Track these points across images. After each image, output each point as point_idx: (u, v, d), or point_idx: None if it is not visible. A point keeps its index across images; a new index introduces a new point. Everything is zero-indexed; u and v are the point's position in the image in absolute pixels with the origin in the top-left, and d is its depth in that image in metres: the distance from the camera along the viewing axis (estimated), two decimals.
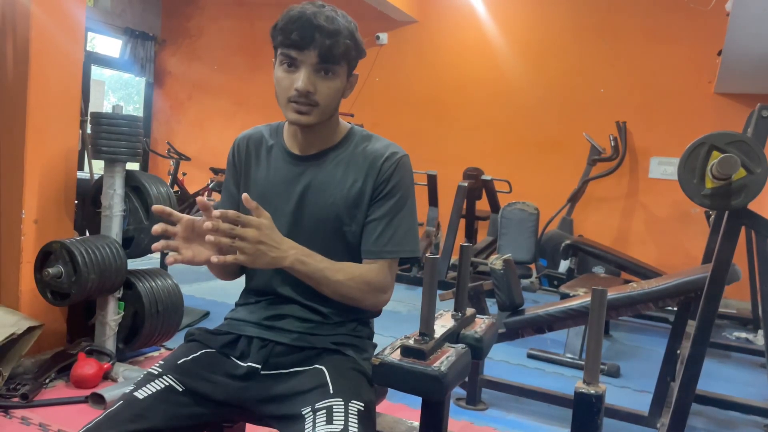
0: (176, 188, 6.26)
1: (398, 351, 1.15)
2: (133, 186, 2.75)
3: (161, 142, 7.76)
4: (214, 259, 1.10)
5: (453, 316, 1.36)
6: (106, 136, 2.62)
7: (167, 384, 1.19)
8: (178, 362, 1.24)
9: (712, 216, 2.98)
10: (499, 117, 6.35)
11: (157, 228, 1.12)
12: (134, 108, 12.66)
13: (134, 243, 2.74)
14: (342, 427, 1.08)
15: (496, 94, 6.36)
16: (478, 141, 6.40)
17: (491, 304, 2.98)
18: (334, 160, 1.31)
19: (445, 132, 6.55)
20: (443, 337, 1.22)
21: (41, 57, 2.61)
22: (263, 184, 1.33)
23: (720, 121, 5.33)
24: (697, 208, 5.06)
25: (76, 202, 2.90)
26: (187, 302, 3.06)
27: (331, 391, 1.16)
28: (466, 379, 2.63)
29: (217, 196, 6.07)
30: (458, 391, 2.70)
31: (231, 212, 1.10)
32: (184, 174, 6.49)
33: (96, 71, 8.15)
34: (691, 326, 2.24)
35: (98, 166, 3.08)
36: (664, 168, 5.74)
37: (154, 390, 1.17)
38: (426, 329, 1.16)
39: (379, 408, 1.29)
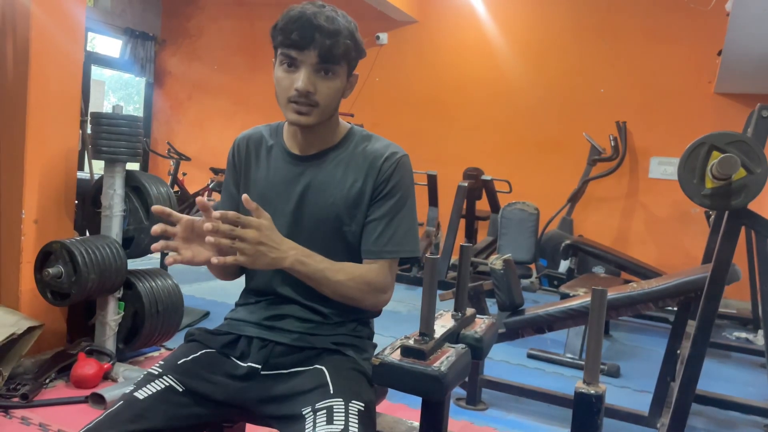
0: (176, 188, 6.27)
1: (398, 351, 1.15)
2: (133, 186, 2.76)
3: (161, 142, 7.76)
4: (215, 260, 1.10)
5: (453, 316, 1.36)
6: (106, 136, 2.62)
7: (167, 384, 1.19)
8: (179, 362, 1.24)
9: (712, 216, 2.98)
10: (499, 117, 6.35)
11: (156, 228, 1.12)
12: (134, 108, 12.67)
13: (134, 243, 2.74)
14: (342, 427, 1.08)
15: (496, 94, 6.37)
16: (478, 141, 6.40)
17: (491, 304, 2.98)
18: (334, 160, 1.31)
19: (445, 132, 6.55)
20: (443, 337, 1.22)
21: (41, 57, 2.61)
22: (263, 184, 1.33)
23: (720, 121, 5.33)
24: (697, 208, 5.06)
25: (76, 202, 2.90)
26: (187, 302, 3.06)
27: (332, 391, 1.16)
28: (466, 379, 2.63)
29: (217, 196, 6.07)
30: (458, 391, 2.70)
31: (231, 213, 1.10)
32: (184, 174, 6.49)
33: (96, 71, 8.15)
34: (691, 326, 2.24)
35: (98, 166, 3.08)
36: (664, 168, 5.74)
37: (154, 390, 1.17)
38: (426, 329, 1.16)
39: (379, 408, 1.29)
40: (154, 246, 1.14)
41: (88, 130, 2.85)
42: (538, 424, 2.57)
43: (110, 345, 2.70)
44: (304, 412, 1.13)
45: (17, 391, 2.34)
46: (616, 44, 5.90)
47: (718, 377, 3.37)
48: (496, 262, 2.72)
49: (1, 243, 2.68)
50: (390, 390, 1.28)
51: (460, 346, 1.23)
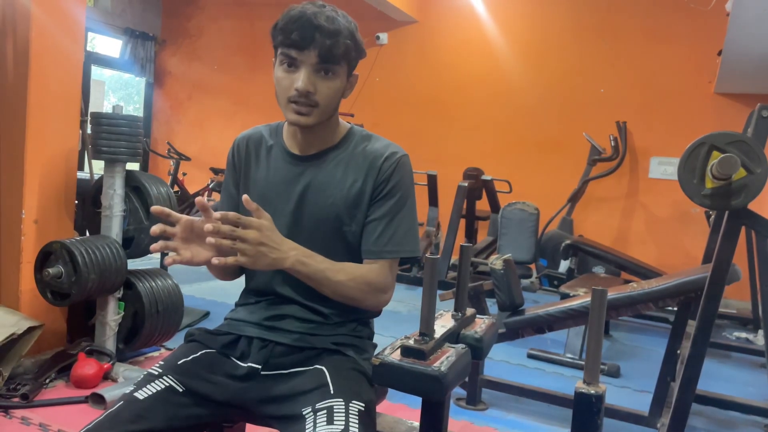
0: (176, 188, 6.27)
1: (398, 351, 1.15)
2: (134, 186, 2.76)
3: (161, 142, 7.76)
4: (215, 260, 1.10)
5: (453, 316, 1.36)
6: (106, 136, 2.62)
7: (167, 384, 1.19)
8: (179, 363, 1.24)
9: (712, 216, 2.98)
10: (500, 117, 6.35)
11: (155, 229, 1.12)
12: (134, 108, 12.67)
13: (134, 243, 2.74)
14: (343, 427, 1.08)
15: (496, 94, 6.37)
16: (478, 141, 6.40)
17: (491, 304, 2.98)
18: (333, 160, 1.31)
19: (445, 132, 6.55)
20: (443, 337, 1.22)
21: (41, 57, 2.61)
22: (263, 184, 1.33)
23: (720, 121, 5.33)
24: (697, 208, 5.06)
25: (76, 202, 2.90)
26: (187, 302, 3.06)
27: (332, 392, 1.16)
28: (466, 379, 2.63)
29: (217, 197, 6.08)
30: (458, 391, 2.70)
31: (231, 214, 1.10)
32: (184, 174, 6.49)
33: (96, 71, 8.15)
34: (691, 326, 2.24)
35: (98, 166, 3.08)
36: (664, 168, 5.74)
37: (154, 390, 1.17)
38: (426, 329, 1.16)
39: (379, 408, 1.29)
40: (153, 246, 1.14)
41: (88, 130, 2.85)
42: (538, 424, 2.57)
43: (110, 345, 2.70)
44: (304, 413, 1.13)
45: (17, 391, 2.34)
46: (616, 44, 5.90)
47: (718, 377, 3.37)
48: (496, 262, 2.72)
49: (1, 243, 2.68)
50: (390, 390, 1.28)
51: (460, 346, 1.22)
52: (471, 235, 5.69)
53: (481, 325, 1.38)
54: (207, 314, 3.72)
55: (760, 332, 4.00)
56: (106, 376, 2.59)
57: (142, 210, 2.76)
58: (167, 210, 1.14)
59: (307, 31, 1.17)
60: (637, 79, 5.83)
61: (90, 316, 2.80)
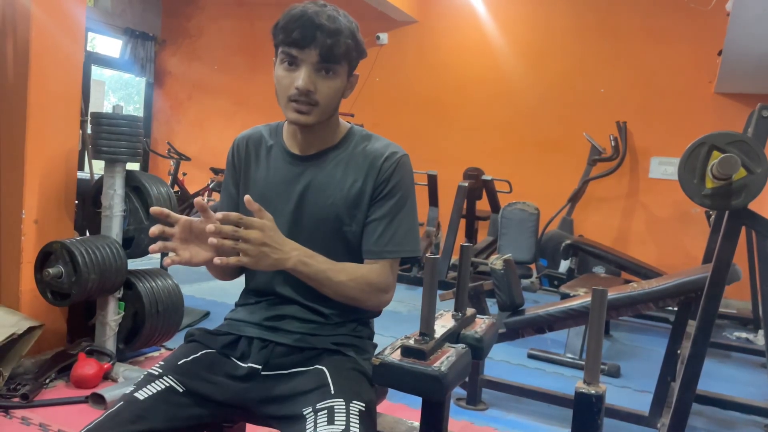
0: (176, 188, 6.26)
1: (398, 351, 1.15)
2: (134, 186, 2.75)
3: (161, 142, 7.76)
4: (217, 260, 1.10)
5: (453, 316, 1.35)
6: (107, 136, 2.62)
7: (168, 385, 1.19)
8: (179, 363, 1.24)
9: (713, 216, 2.98)
10: (500, 117, 6.35)
11: (154, 230, 1.12)
12: (134, 108, 12.67)
13: (134, 243, 2.74)
14: (343, 427, 1.08)
15: (497, 94, 6.36)
16: (479, 141, 6.40)
17: (491, 304, 2.98)
18: (333, 160, 1.30)
19: (445, 132, 6.55)
20: (443, 337, 1.22)
21: (41, 57, 2.61)
22: (263, 184, 1.33)
23: (720, 121, 5.32)
24: (698, 208, 5.06)
25: (77, 202, 2.90)
26: (187, 302, 3.06)
27: (332, 392, 1.16)
28: (467, 379, 2.63)
29: (217, 197, 6.08)
30: (458, 391, 2.70)
31: (233, 214, 1.10)
32: (184, 174, 6.49)
33: (96, 71, 8.15)
34: (692, 326, 2.24)
35: (98, 166, 3.08)
36: (665, 168, 5.74)
37: (154, 391, 1.17)
38: (426, 329, 1.16)
39: (379, 408, 1.29)
40: (152, 247, 1.14)
41: (88, 130, 2.85)
42: (539, 424, 2.57)
43: (110, 345, 2.70)
44: (305, 413, 1.13)
45: (17, 391, 2.34)
46: (617, 44, 5.90)
47: (719, 377, 3.37)
48: (496, 262, 2.72)
49: (1, 243, 2.68)
50: (390, 390, 1.28)
51: (461, 346, 1.22)
52: (471, 235, 5.69)
53: (481, 325, 1.38)
54: (207, 314, 3.72)
55: (760, 332, 4.00)
56: (106, 376, 2.59)
57: (142, 210, 2.76)
58: (166, 211, 1.14)
59: (308, 29, 1.17)
60: (637, 79, 5.83)
61: (90, 316, 2.80)
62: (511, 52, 6.32)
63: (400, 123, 6.68)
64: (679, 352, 2.53)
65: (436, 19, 6.65)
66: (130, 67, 7.67)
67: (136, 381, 1.21)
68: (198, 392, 1.20)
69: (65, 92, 2.74)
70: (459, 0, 6.47)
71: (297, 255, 1.19)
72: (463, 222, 5.50)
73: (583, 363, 2.90)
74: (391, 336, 3.07)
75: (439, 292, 1.48)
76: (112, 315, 2.71)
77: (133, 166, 3.67)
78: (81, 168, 3.05)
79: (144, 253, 2.80)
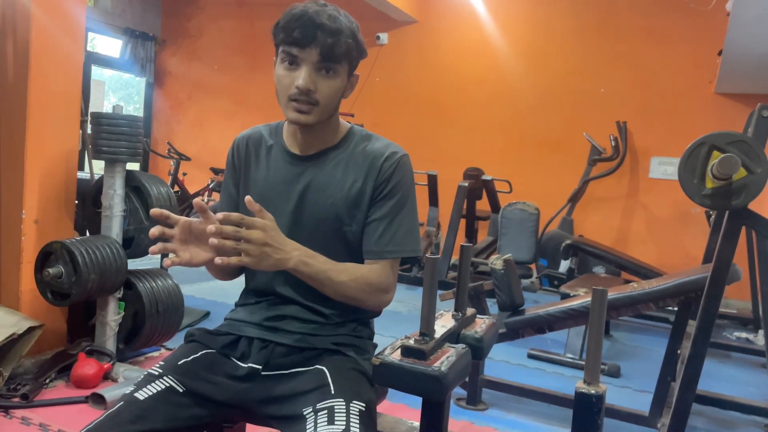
0: (176, 188, 6.26)
1: (398, 351, 1.15)
2: (134, 186, 2.75)
3: (161, 142, 7.76)
4: (218, 261, 1.09)
5: (453, 316, 1.35)
6: (107, 136, 2.62)
7: (168, 385, 1.19)
8: (179, 363, 1.24)
9: (713, 216, 2.98)
10: (500, 117, 6.35)
11: (153, 231, 1.12)
12: (134, 108, 12.67)
13: (134, 243, 2.74)
14: (344, 427, 1.08)
15: (497, 94, 6.37)
16: (479, 141, 6.41)
17: (491, 304, 2.98)
18: (333, 160, 1.30)
19: (445, 132, 6.55)
20: (443, 337, 1.22)
21: (41, 57, 2.61)
22: (263, 184, 1.33)
23: (720, 121, 5.33)
24: (698, 208, 5.06)
25: (77, 202, 2.90)
26: (187, 302, 3.06)
27: (332, 392, 1.16)
28: (467, 379, 2.63)
29: (217, 197, 6.08)
30: (458, 391, 2.70)
31: (234, 214, 1.10)
32: (184, 174, 6.49)
33: (96, 71, 8.15)
34: (692, 326, 2.24)
35: (98, 166, 3.08)
36: (665, 168, 5.74)
37: (154, 391, 1.17)
38: (426, 329, 1.16)
39: (379, 408, 1.29)
40: (151, 249, 1.14)
41: (88, 130, 2.85)
42: (539, 424, 2.57)
43: (110, 345, 2.70)
44: (305, 413, 1.13)
45: (17, 391, 2.34)
46: (617, 44, 5.90)
47: (719, 377, 3.37)
48: (496, 262, 2.72)
49: (1, 243, 2.68)
50: (390, 390, 1.28)
51: (461, 346, 1.22)
52: (471, 235, 5.69)
53: (481, 325, 1.38)
54: (207, 314, 3.72)
55: (761, 332, 4.00)
56: (106, 376, 2.59)
57: (142, 210, 2.76)
58: (166, 212, 1.14)
59: (308, 29, 1.17)
60: (638, 79, 5.83)
61: (90, 316, 2.80)
62: (511, 52, 6.32)
63: (400, 123, 6.68)
64: (679, 352, 2.53)
65: (436, 19, 6.65)
66: (130, 67, 7.67)
67: (136, 381, 1.21)
68: (198, 392, 1.20)
69: (65, 92, 2.74)
70: (459, 0, 6.47)
71: (298, 255, 1.19)
72: (463, 222, 5.50)
73: (583, 363, 2.90)
74: (391, 336, 3.07)
75: (439, 292, 1.48)
76: (112, 315, 2.71)
77: (133, 166, 3.67)
78: (81, 168, 3.05)
79: (144, 253, 2.80)
